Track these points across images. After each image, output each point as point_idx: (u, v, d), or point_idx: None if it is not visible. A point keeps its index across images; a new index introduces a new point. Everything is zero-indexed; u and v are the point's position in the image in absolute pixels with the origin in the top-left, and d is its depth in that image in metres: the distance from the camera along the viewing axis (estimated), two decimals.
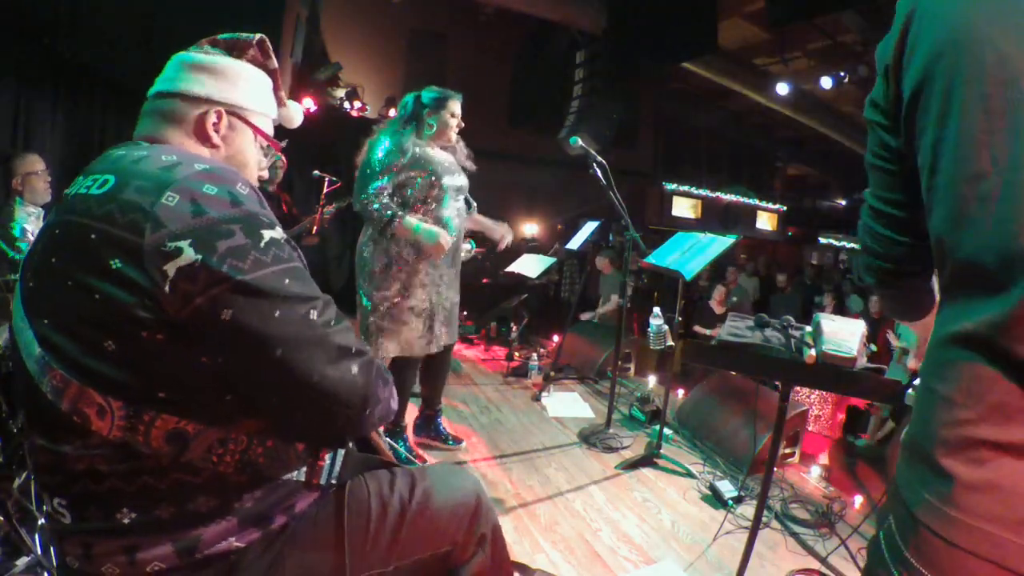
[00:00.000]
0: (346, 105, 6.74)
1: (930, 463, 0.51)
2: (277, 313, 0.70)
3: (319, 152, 6.15)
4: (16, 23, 3.82)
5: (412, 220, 2.16)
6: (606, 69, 7.24)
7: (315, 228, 4.07)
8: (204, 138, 0.87)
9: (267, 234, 0.72)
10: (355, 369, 0.76)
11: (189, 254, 0.66)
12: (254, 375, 0.72)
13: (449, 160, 2.33)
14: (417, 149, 2.22)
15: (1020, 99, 0.47)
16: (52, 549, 0.78)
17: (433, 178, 2.22)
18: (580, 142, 2.77)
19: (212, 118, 0.86)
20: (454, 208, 2.31)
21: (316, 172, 4.07)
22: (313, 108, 6.08)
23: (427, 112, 2.26)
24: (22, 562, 1.58)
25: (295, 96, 6.03)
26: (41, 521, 1.60)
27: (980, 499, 0.46)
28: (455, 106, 2.30)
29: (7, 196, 2.47)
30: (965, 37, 0.51)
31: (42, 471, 0.75)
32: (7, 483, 1.79)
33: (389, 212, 2.12)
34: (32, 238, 2.36)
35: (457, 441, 2.66)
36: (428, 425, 2.65)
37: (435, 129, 2.27)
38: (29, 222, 2.40)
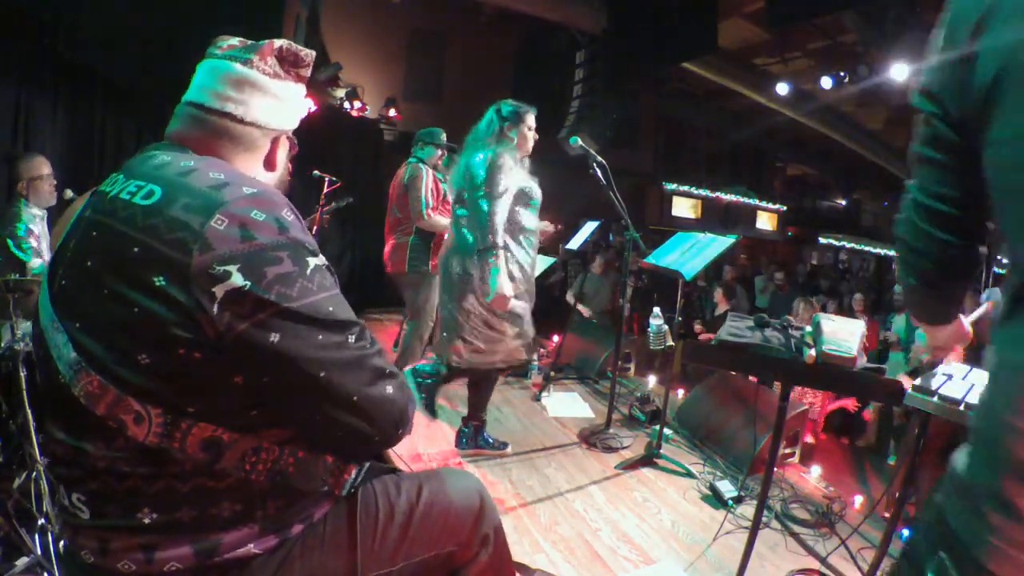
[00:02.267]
0: (346, 105, 6.74)
1: (998, 500, 0.46)
2: (321, 338, 0.72)
3: (319, 152, 6.15)
4: (16, 23, 3.82)
5: (502, 262, 2.20)
6: (606, 69, 7.25)
7: (315, 228, 4.08)
8: (272, 165, 0.91)
9: (312, 261, 0.74)
10: (390, 390, 0.79)
11: (237, 279, 0.68)
12: (295, 395, 0.74)
13: (528, 173, 2.39)
14: (513, 162, 2.27)
15: None
16: (62, 543, 0.78)
17: (525, 191, 2.29)
18: (580, 142, 2.77)
19: (279, 146, 0.91)
20: (535, 220, 2.37)
21: (316, 172, 4.07)
22: (313, 108, 6.08)
23: (507, 126, 2.31)
24: (22, 562, 1.58)
25: None
26: (41, 521, 1.61)
27: None
28: (531, 119, 2.37)
29: (9, 196, 2.46)
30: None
31: (59, 463, 0.76)
32: (7, 483, 1.79)
33: (502, 241, 2.19)
34: (36, 240, 2.36)
35: (504, 445, 2.67)
36: (476, 436, 2.64)
37: (515, 142, 2.33)
38: (34, 223, 2.39)
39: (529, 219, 2.34)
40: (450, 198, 2.49)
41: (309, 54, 0.92)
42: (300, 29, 6.18)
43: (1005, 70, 0.49)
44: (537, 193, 2.35)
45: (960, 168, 0.57)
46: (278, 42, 0.88)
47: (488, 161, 2.21)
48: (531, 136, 2.38)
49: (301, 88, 0.93)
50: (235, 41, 0.88)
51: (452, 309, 2.33)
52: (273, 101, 0.88)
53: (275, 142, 0.90)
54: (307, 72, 0.93)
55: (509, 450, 2.65)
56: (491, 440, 2.65)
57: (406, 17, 8.38)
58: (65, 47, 4.07)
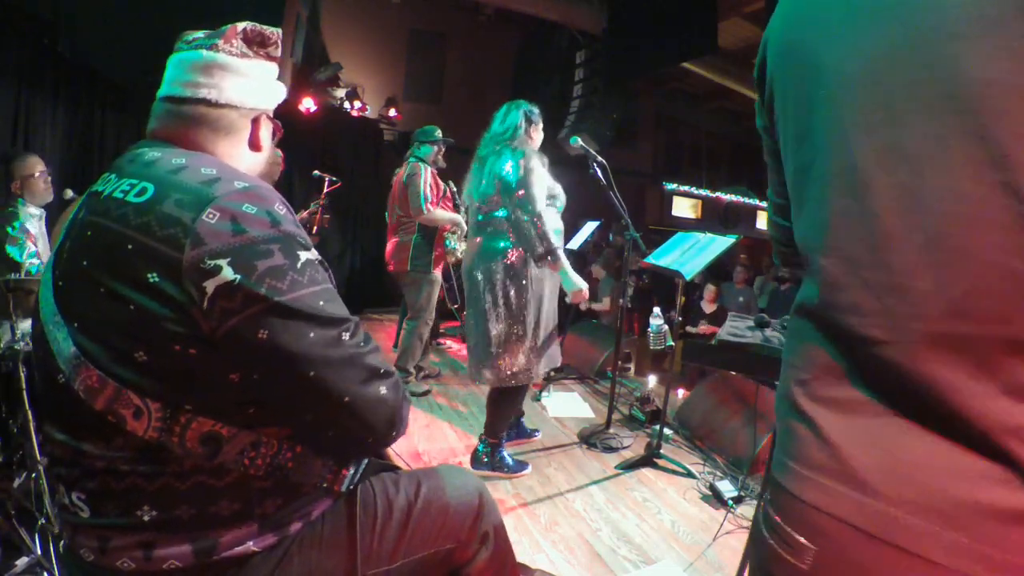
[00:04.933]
0: (346, 105, 6.75)
1: (783, 424, 0.54)
2: (312, 335, 0.71)
3: (319, 152, 6.16)
4: (16, 23, 3.82)
5: (564, 260, 2.21)
6: (606, 69, 7.25)
7: (315, 228, 4.08)
8: (256, 145, 0.90)
9: (303, 255, 0.73)
10: (384, 390, 0.78)
11: (228, 273, 0.67)
12: (287, 393, 0.74)
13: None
14: (541, 164, 2.22)
15: (821, 95, 0.52)
16: (62, 542, 0.78)
17: (551, 191, 2.25)
18: (580, 142, 2.77)
19: (261, 125, 0.89)
20: (560, 221, 2.34)
21: (316, 172, 4.08)
22: (313, 108, 6.08)
23: (531, 127, 2.28)
24: (22, 562, 1.58)
25: (295, 96, 6.04)
26: (41, 521, 1.61)
27: (813, 452, 0.49)
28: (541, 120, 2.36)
29: (7, 196, 2.46)
30: (790, 47, 0.57)
31: (58, 463, 0.76)
32: (7, 483, 1.80)
33: (555, 243, 2.16)
34: (35, 240, 2.36)
35: (523, 466, 2.51)
36: (493, 455, 2.45)
37: (535, 142, 2.30)
38: (31, 223, 2.39)
39: (555, 220, 2.28)
40: (462, 201, 2.40)
41: (275, 32, 0.91)
42: (300, 29, 6.19)
43: (774, 79, 0.60)
44: (561, 194, 2.31)
45: (781, 167, 0.66)
46: (241, 24, 0.87)
47: (522, 166, 2.15)
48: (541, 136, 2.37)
49: (272, 66, 0.92)
50: (200, 33, 0.88)
51: (482, 321, 2.25)
52: (244, 80, 0.86)
53: (255, 123, 0.89)
54: (276, 51, 0.92)
55: (528, 471, 2.47)
56: (510, 461, 2.46)
57: (406, 17, 8.39)
58: (65, 47, 4.08)
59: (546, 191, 2.20)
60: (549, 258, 2.17)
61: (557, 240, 2.23)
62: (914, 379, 0.43)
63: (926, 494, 0.42)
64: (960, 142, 0.42)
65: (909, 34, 0.46)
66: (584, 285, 2.26)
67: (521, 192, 2.13)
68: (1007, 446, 0.40)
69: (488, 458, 2.42)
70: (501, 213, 2.21)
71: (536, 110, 2.32)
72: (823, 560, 0.47)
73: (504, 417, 2.42)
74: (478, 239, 2.28)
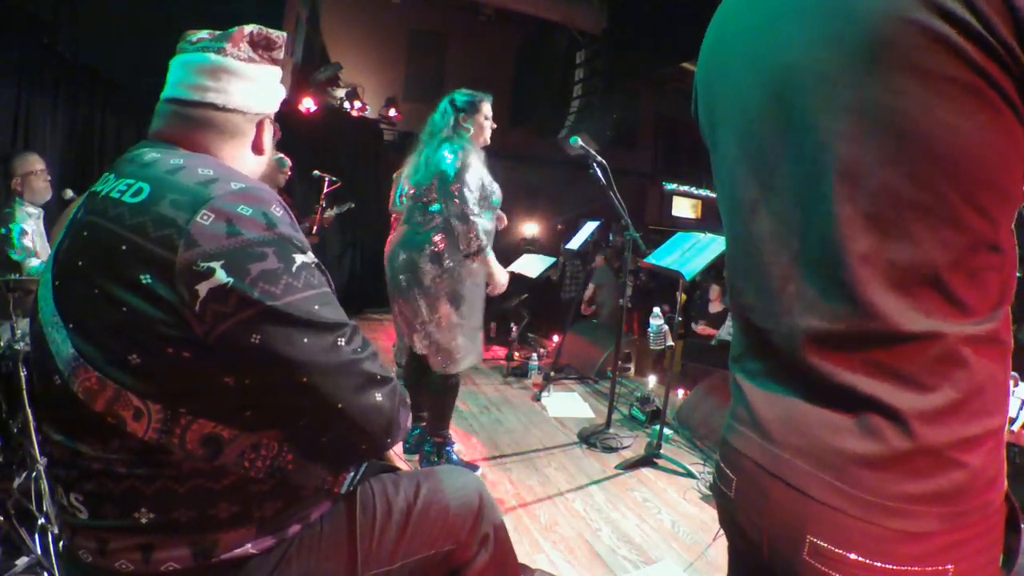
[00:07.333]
0: (346, 105, 6.74)
1: (732, 391, 0.67)
2: (306, 340, 0.70)
3: (319, 152, 6.16)
4: (16, 23, 3.82)
5: (491, 255, 2.23)
6: (606, 69, 7.25)
7: (315, 228, 4.09)
8: (260, 149, 0.90)
9: (299, 258, 0.72)
10: (380, 397, 0.77)
11: (221, 276, 0.66)
12: (281, 398, 0.73)
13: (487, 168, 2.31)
14: (478, 160, 2.19)
15: (716, 140, 0.65)
16: (62, 542, 0.78)
17: (486, 191, 2.20)
18: (580, 142, 2.77)
19: (264, 129, 0.90)
20: (492, 223, 2.29)
21: (316, 172, 4.08)
22: (313, 108, 6.08)
23: (463, 116, 2.22)
24: (22, 562, 1.58)
25: (295, 96, 6.04)
26: (41, 521, 1.61)
27: (740, 409, 0.62)
28: (487, 108, 2.28)
29: (7, 196, 2.46)
30: (702, 80, 0.68)
31: (56, 465, 0.76)
32: (7, 483, 1.80)
33: (485, 243, 2.16)
34: (32, 239, 2.36)
35: (475, 468, 2.51)
36: (440, 455, 2.46)
37: (471, 133, 2.25)
38: (29, 223, 2.39)
39: (486, 223, 2.22)
40: (406, 190, 2.35)
41: (280, 36, 0.90)
42: (300, 29, 6.19)
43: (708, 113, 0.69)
44: (497, 193, 2.26)
45: None
46: (248, 27, 0.87)
47: (460, 160, 2.12)
48: (488, 126, 2.29)
49: (276, 70, 0.92)
50: (204, 34, 0.87)
51: (418, 310, 2.22)
52: (251, 85, 0.86)
53: (260, 126, 0.89)
54: (280, 54, 0.92)
55: (478, 473, 2.42)
56: (456, 460, 2.43)
57: (406, 17, 8.40)
58: (65, 47, 4.07)
59: (480, 188, 2.16)
60: (478, 257, 2.17)
61: (487, 240, 2.20)
62: (794, 359, 0.54)
63: (808, 442, 0.53)
64: (807, 183, 0.52)
65: (774, 85, 0.53)
66: (506, 279, 2.35)
67: (456, 188, 2.10)
68: (862, 408, 0.50)
69: (437, 458, 2.39)
70: (435, 208, 2.18)
71: (471, 98, 2.25)
72: (740, 488, 0.60)
73: (448, 411, 2.39)
74: (406, 226, 2.27)
